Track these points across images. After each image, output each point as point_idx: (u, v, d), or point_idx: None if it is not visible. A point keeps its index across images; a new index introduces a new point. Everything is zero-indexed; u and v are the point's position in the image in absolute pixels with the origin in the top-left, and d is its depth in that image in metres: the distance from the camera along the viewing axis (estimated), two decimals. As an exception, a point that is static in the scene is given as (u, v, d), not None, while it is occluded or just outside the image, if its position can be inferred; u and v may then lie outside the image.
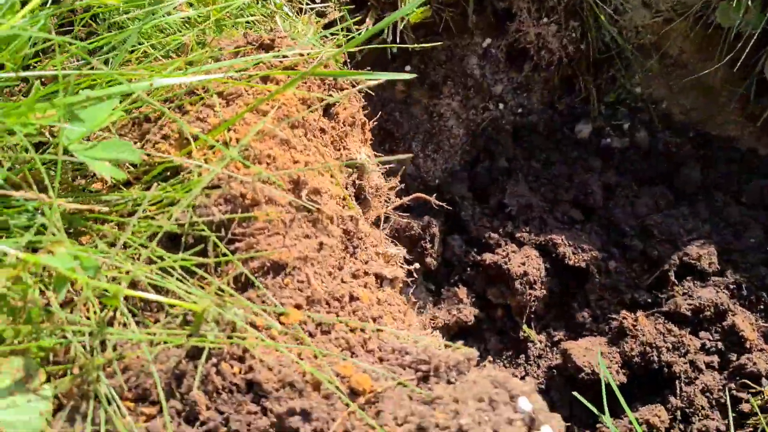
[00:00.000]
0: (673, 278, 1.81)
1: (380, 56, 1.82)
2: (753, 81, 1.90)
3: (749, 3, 1.69)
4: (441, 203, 1.73)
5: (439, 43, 1.21)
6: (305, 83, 1.20)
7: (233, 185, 1.00)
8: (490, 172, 2.03)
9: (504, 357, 1.90)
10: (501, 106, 2.02)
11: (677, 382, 1.69)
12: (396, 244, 1.27)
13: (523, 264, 1.84)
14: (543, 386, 1.82)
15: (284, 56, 1.21)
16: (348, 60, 1.64)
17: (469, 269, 1.92)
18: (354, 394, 0.94)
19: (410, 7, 0.97)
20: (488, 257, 1.88)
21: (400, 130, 1.94)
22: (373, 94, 1.40)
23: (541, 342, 1.89)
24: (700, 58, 1.81)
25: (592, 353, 1.76)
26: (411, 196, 1.72)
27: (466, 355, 0.99)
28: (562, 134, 2.07)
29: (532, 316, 1.90)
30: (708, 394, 1.68)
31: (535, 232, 1.91)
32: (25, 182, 0.88)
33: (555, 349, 1.86)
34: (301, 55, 1.23)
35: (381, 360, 1.02)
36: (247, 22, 1.34)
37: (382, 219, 1.33)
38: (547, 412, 0.94)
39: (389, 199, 1.50)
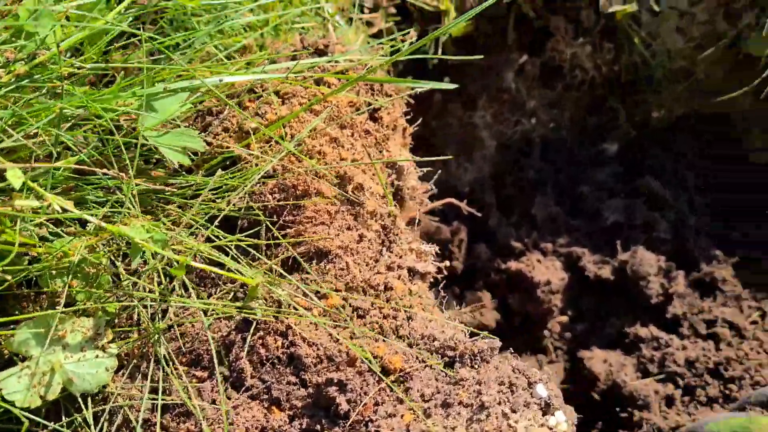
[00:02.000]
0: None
1: (420, 68, 1.91)
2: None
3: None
4: (471, 209, 1.82)
5: (479, 57, 1.31)
6: (354, 88, 1.29)
7: (287, 176, 1.10)
8: (518, 184, 2.12)
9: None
10: (533, 120, 2.11)
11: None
12: (428, 243, 1.36)
13: (547, 271, 1.92)
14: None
15: (336, 61, 1.31)
16: (390, 69, 1.74)
17: (493, 275, 2.00)
18: (385, 372, 1.03)
19: (456, 23, 1.06)
20: (513, 264, 1.96)
21: (434, 139, 2.03)
22: (413, 102, 1.49)
23: (558, 349, 1.96)
24: (727, 84, 1.88)
25: (607, 363, 1.83)
26: (443, 201, 1.80)
27: (489, 344, 1.08)
28: (590, 151, 2.15)
29: (552, 324, 1.97)
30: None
31: (559, 243, 1.99)
32: (106, 161, 0.99)
33: (571, 357, 1.93)
34: (352, 61, 1.33)
35: (410, 345, 1.10)
36: (302, 28, 1.44)
37: (417, 219, 1.42)
38: (561, 400, 1.02)
39: (422, 202, 1.59)
